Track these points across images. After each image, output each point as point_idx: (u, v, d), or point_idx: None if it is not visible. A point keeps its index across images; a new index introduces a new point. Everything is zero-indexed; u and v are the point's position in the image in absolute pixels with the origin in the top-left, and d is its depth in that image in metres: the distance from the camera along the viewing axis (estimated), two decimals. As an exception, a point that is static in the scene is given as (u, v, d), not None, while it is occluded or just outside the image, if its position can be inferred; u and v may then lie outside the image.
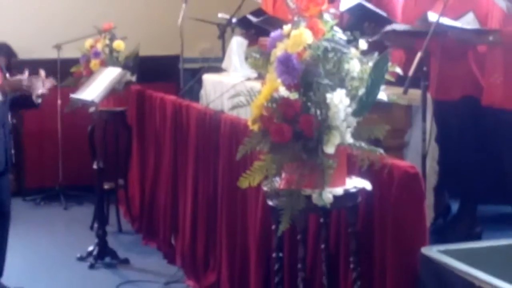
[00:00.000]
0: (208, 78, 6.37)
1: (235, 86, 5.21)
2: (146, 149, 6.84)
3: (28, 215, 7.55)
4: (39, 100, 5.27)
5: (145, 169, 6.86)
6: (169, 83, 8.05)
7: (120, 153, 7.13)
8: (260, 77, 3.64)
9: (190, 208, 5.53)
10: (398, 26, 5.11)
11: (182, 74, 7.46)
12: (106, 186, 6.65)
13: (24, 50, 8.25)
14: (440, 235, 5.10)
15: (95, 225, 6.29)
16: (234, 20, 6.87)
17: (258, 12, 6.55)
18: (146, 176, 6.81)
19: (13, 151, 7.32)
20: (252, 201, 4.44)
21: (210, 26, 7.39)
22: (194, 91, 6.98)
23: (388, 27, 5.00)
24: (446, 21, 4.70)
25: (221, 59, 6.60)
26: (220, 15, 7.16)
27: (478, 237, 5.27)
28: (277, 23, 3.28)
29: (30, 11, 8.51)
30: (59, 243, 6.58)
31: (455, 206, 5.76)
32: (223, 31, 7.07)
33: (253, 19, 6.19)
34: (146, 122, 6.86)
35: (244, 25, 6.65)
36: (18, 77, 5.17)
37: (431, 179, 4.59)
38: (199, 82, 6.55)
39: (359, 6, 5.31)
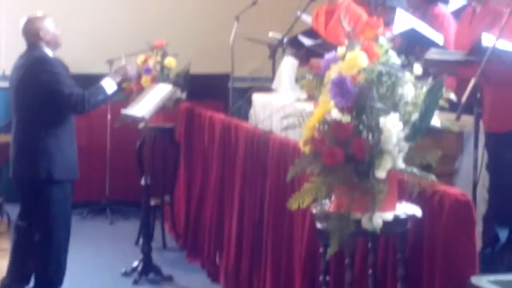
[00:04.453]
0: (257, 98, 6.37)
1: (284, 107, 5.21)
2: (194, 166, 6.85)
3: (74, 228, 7.53)
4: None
5: (191, 186, 6.87)
6: (218, 102, 8.08)
7: (167, 170, 7.15)
8: (310, 98, 3.63)
9: (236, 227, 5.52)
10: (438, 55, 5.01)
11: (232, 93, 7.47)
12: (152, 202, 6.68)
13: (76, 65, 8.33)
14: (488, 264, 5.02)
15: (141, 241, 6.32)
16: (285, 39, 6.85)
17: (309, 32, 6.52)
18: (192, 193, 6.82)
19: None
20: (299, 223, 4.42)
21: (261, 46, 7.38)
22: (243, 110, 6.98)
23: (428, 55, 4.92)
24: (503, 44, 4.61)
25: (271, 79, 6.59)
26: (271, 34, 7.15)
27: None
28: (331, 48, 3.27)
29: (82, 26, 8.59)
30: (104, 257, 6.61)
31: (503, 235, 5.68)
32: (274, 51, 7.06)
33: (306, 40, 6.16)
34: (194, 140, 6.88)
35: (295, 45, 6.64)
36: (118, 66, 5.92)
37: (481, 207, 4.53)
38: (248, 102, 6.55)
39: (412, 31, 5.27)
